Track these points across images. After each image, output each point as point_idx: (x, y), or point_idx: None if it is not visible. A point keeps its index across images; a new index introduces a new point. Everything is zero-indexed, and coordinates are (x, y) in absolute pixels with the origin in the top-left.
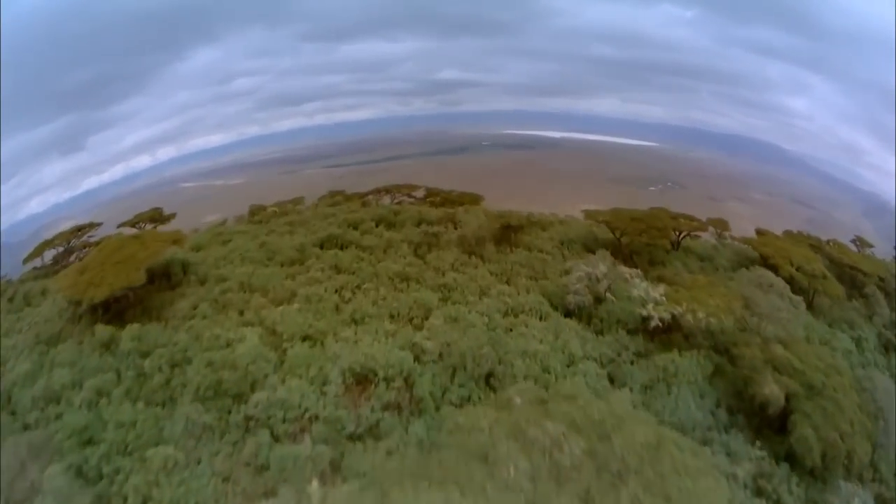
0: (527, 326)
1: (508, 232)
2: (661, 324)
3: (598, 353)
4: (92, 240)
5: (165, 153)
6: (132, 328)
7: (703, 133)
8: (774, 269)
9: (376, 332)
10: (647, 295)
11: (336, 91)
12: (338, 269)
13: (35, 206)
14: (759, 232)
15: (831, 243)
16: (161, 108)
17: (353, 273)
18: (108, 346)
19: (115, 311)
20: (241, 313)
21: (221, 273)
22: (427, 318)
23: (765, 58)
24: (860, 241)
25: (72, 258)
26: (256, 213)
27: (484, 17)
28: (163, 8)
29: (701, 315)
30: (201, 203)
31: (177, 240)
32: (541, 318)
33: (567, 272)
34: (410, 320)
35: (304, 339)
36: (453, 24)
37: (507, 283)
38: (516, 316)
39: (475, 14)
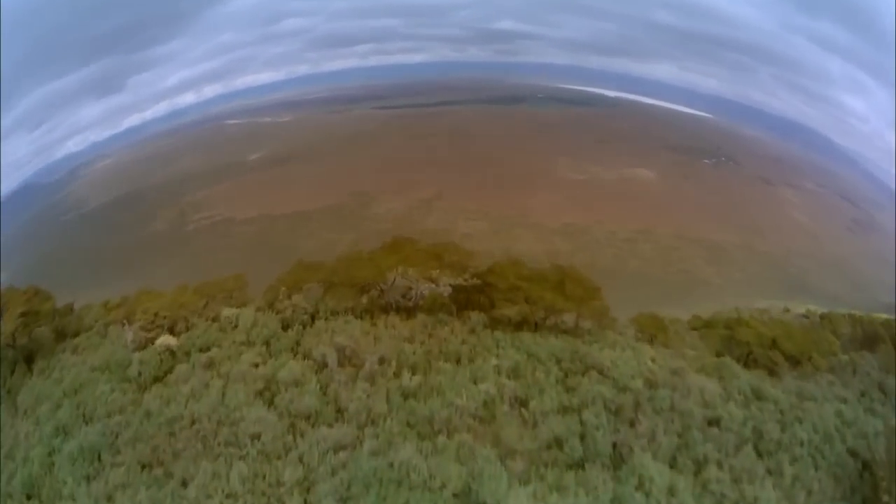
0: None
1: None
2: None
3: None
4: None
5: (212, 90)
6: None
7: (757, 112)
8: None
9: None
10: None
11: (391, 34)
12: None
13: (72, 145)
14: None
15: None
16: (205, 49)
17: None
18: None
19: None
20: None
21: None
22: None
23: (828, 52)
24: None
25: None
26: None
27: None
28: None
29: None
30: (246, 140)
31: None
32: None
33: None
34: None
35: None
36: None
37: None
38: None
39: None
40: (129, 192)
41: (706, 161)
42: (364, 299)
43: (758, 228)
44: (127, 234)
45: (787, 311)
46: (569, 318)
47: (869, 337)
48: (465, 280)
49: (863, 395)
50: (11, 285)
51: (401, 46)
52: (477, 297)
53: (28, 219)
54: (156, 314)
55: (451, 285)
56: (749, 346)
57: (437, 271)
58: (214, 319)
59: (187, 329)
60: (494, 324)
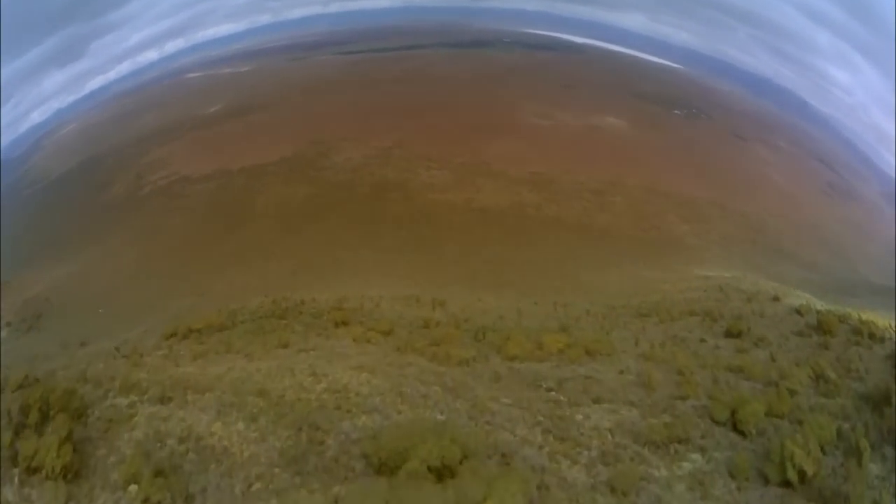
0: None
1: None
2: None
3: None
4: None
5: (174, 45)
6: None
7: (729, 66)
8: None
9: None
10: None
11: None
12: None
13: (36, 116)
14: None
15: None
16: (167, 5)
17: None
18: None
19: None
20: None
21: None
22: None
23: (817, 24)
24: None
25: None
26: None
27: None
28: None
29: None
30: (206, 93)
31: None
32: None
33: None
34: None
35: None
36: None
37: None
38: None
39: None
40: (89, 158)
41: (676, 112)
42: None
43: (731, 185)
44: (85, 203)
45: (777, 300)
46: None
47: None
48: None
49: None
50: None
51: None
52: None
53: None
54: None
55: None
56: None
57: None
58: None
59: None
60: None
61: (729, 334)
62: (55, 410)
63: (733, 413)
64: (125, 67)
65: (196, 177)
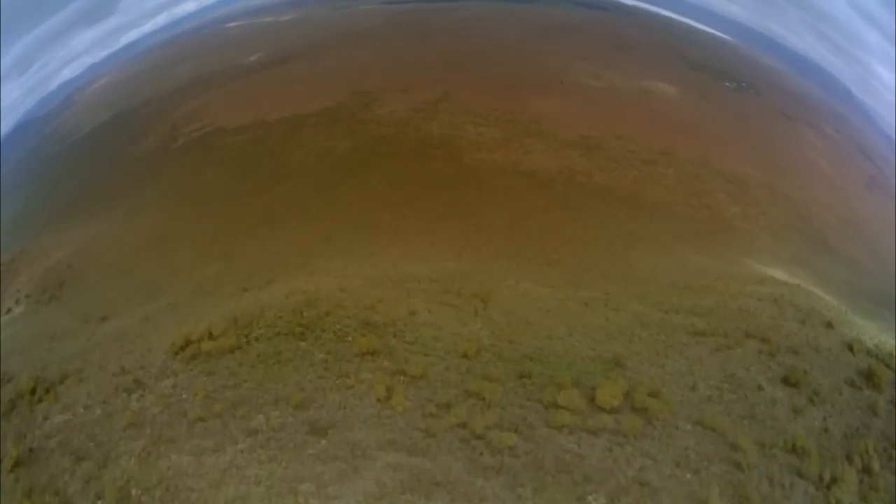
0: None
1: None
2: None
3: None
4: None
5: None
6: None
7: (777, 44)
8: None
9: None
10: None
11: None
12: None
13: (67, 73)
14: None
15: None
16: None
17: None
18: None
19: None
20: None
21: None
22: None
23: (865, 22)
24: None
25: None
26: None
27: None
28: None
29: None
30: (245, 42)
31: None
32: None
33: None
34: None
35: None
36: None
37: None
38: None
39: None
40: (122, 111)
41: (727, 84)
42: None
43: (779, 166)
44: (118, 156)
45: (831, 327)
46: None
47: None
48: None
49: None
50: None
51: None
52: None
53: (24, 156)
54: None
55: None
56: None
57: None
58: None
59: None
60: None
61: (786, 381)
62: None
63: None
64: (161, 20)
65: (232, 128)
